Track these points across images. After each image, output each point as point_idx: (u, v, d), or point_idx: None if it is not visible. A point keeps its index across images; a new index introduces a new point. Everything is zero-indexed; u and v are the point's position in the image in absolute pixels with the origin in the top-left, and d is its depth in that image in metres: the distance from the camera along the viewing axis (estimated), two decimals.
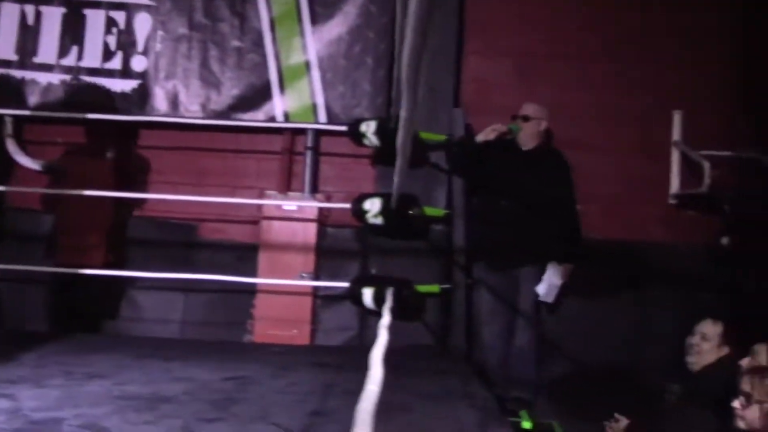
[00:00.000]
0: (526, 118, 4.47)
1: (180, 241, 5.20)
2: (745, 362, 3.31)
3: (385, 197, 4.33)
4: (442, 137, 5.00)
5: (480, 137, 4.42)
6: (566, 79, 5.16)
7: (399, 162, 2.86)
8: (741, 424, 2.85)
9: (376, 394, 1.54)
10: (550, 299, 4.28)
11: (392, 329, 4.58)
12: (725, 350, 3.85)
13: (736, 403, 2.85)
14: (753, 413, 2.81)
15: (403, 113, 2.18)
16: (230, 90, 5.24)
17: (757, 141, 5.12)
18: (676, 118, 5.19)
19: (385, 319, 2.80)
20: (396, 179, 3.34)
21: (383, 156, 4.91)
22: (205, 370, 3.78)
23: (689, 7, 5.24)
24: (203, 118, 5.25)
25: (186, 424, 2.74)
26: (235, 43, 5.23)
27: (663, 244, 5.06)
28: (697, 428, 3.19)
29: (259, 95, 5.20)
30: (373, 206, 4.53)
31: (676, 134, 5.20)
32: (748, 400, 2.82)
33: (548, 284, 4.25)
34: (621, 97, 5.19)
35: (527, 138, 4.52)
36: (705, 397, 3.43)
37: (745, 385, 2.84)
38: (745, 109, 5.19)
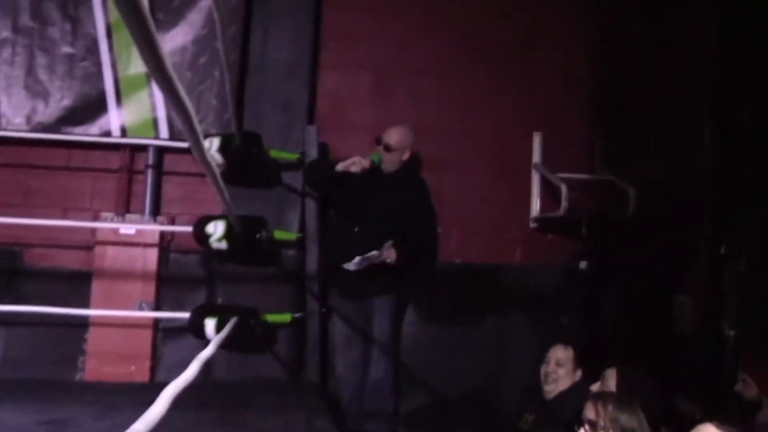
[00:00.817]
0: (388, 148, 4.35)
1: (1, 269, 4.76)
2: (595, 387, 3.24)
3: (230, 219, 4.12)
4: (294, 156, 4.85)
5: (339, 167, 4.27)
6: (426, 95, 5.11)
7: (214, 182, 2.64)
8: None
9: None
10: (353, 267, 4.04)
11: (239, 361, 4.47)
12: (578, 375, 3.77)
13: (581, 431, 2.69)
14: None
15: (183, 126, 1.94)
16: (60, 101, 4.86)
17: (612, 163, 5.21)
18: (536, 139, 5.21)
19: (207, 351, 2.60)
20: (225, 199, 3.18)
21: (229, 174, 4.61)
22: (21, 413, 3.47)
23: (553, 23, 5.29)
24: (28, 131, 4.83)
25: None
26: (67, 49, 4.86)
27: (523, 267, 5.07)
28: None
29: (92, 107, 4.85)
30: (216, 229, 4.40)
31: (536, 156, 5.21)
32: (594, 427, 2.73)
33: (367, 256, 4.03)
34: (482, 116, 5.17)
35: (388, 165, 4.44)
36: (557, 424, 3.36)
37: (590, 411, 2.77)
38: (602, 132, 5.27)
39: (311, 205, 4.82)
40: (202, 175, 4.30)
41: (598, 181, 5.12)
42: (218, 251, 4.34)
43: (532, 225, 5.18)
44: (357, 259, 3.95)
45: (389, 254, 4.04)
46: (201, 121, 4.87)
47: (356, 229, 4.23)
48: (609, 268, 4.99)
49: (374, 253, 3.94)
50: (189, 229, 4.45)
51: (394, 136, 4.31)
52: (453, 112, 5.13)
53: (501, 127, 5.15)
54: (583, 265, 5.03)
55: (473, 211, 5.11)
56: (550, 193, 5.06)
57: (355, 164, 4.14)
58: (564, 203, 4.76)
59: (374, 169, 4.31)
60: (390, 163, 4.34)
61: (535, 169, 5.19)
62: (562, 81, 5.24)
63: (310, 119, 4.98)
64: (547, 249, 5.12)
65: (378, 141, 4.28)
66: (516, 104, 5.21)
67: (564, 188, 4.81)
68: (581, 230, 4.99)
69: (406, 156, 4.36)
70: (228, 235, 4.29)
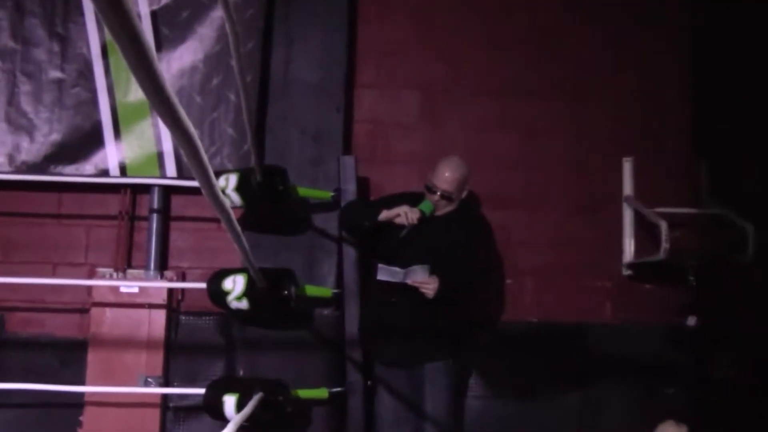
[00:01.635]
0: (449, 198, 3.97)
1: None
2: None
3: (251, 273, 3.63)
4: (327, 194, 4.29)
5: (382, 217, 3.94)
6: (484, 119, 4.58)
7: (230, 229, 2.27)
8: None
9: None
10: (388, 276, 3.91)
11: None
12: None
13: None
14: None
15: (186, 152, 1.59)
16: (48, 135, 4.27)
17: (722, 193, 4.62)
18: (626, 167, 4.54)
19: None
20: (244, 249, 2.68)
21: (249, 218, 4.18)
22: None
23: (640, 39, 4.75)
24: (10, 172, 4.28)
25: None
26: (55, 74, 4.28)
27: (615, 326, 4.52)
28: None
29: (86, 141, 4.27)
30: (235, 285, 3.90)
31: (627, 187, 4.57)
32: None
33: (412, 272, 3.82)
34: (558, 141, 4.61)
35: (442, 208, 4.04)
36: None
37: None
38: (709, 156, 4.67)
39: (350, 254, 4.26)
40: (217, 221, 4.07)
41: (706, 217, 4.57)
42: (238, 312, 3.93)
43: (625, 272, 4.59)
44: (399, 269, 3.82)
45: (427, 281, 3.79)
46: (215, 155, 4.32)
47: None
48: (722, 325, 4.47)
49: (415, 268, 3.77)
50: (202, 285, 3.99)
51: (448, 179, 3.95)
52: (519, 137, 4.58)
53: (581, 153, 4.58)
54: (690, 321, 4.53)
55: (550, 256, 4.53)
56: (646, 232, 4.51)
57: (400, 217, 3.83)
58: (665, 245, 4.20)
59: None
60: (444, 207, 4.01)
61: (627, 203, 4.56)
62: (658, 97, 4.69)
63: (346, 149, 4.45)
64: (644, 302, 4.58)
65: (430, 188, 3.90)
66: (600, 125, 4.65)
67: (664, 226, 4.23)
68: (687, 278, 4.51)
69: (463, 195, 4.02)
70: (249, 292, 3.86)
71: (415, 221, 3.81)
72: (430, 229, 3.92)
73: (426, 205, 3.91)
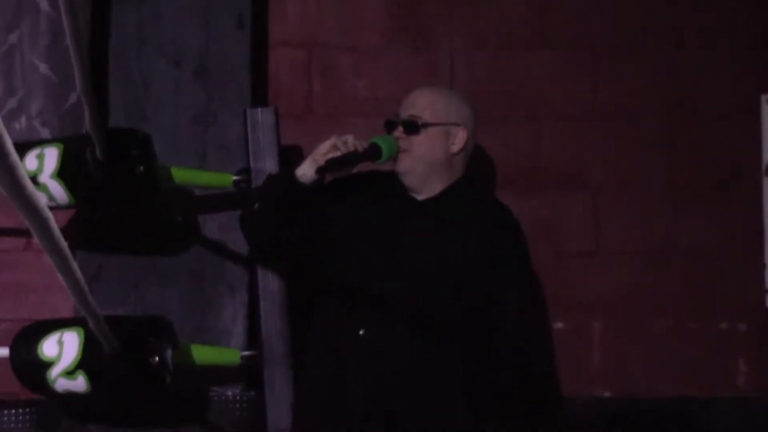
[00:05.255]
0: (412, 126, 2.96)
1: None
2: None
3: (91, 328, 2.84)
4: (227, 178, 3.26)
5: (305, 170, 2.89)
6: (510, 28, 3.44)
7: (50, 249, 1.71)
8: None
9: None
10: None
11: None
12: None
13: None
14: None
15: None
16: None
17: None
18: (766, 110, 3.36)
19: None
20: (77, 284, 1.92)
21: (83, 228, 3.33)
22: None
23: None
24: None
25: None
26: None
27: (752, 400, 3.39)
28: None
29: None
30: (64, 351, 3.13)
31: None
32: None
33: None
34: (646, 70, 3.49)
35: (422, 170, 2.95)
36: None
37: None
38: None
39: (270, 286, 3.25)
40: (25, 234, 3.43)
41: None
42: (68, 398, 3.14)
43: None
44: None
45: None
46: (16, 113, 3.41)
47: (361, 332, 2.97)
48: None
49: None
50: (2, 352, 3.13)
51: (424, 97, 3.04)
52: (566, 58, 3.46)
53: (692, 93, 3.41)
54: None
55: (636, 277, 3.40)
56: None
57: (335, 150, 2.86)
58: None
59: (392, 195, 3.04)
60: (422, 165, 2.96)
61: None
62: None
63: (258, 95, 3.41)
64: None
65: (390, 122, 3.00)
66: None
67: None
68: None
69: (458, 142, 2.98)
70: (88, 362, 3.03)
71: (360, 148, 2.85)
72: (418, 226, 2.94)
73: (382, 139, 2.90)
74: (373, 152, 2.85)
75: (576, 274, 3.50)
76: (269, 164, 3.20)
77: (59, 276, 1.88)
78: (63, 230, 1.70)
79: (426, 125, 2.90)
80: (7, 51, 3.32)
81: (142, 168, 3.08)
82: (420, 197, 2.92)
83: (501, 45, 3.60)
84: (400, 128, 2.92)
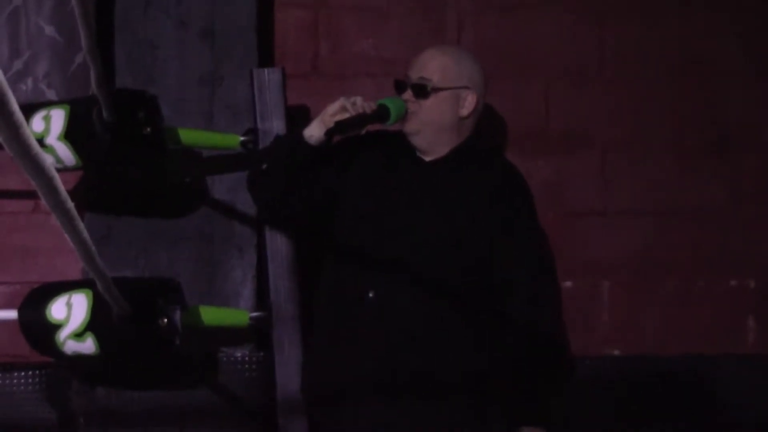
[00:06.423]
0: (422, 90, 2.99)
1: None
2: None
3: (99, 290, 2.72)
4: (234, 139, 3.29)
5: (313, 131, 2.96)
6: None
7: (57, 210, 1.63)
8: None
9: None
10: None
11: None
12: None
13: None
14: None
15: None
16: None
17: None
18: None
19: None
20: (85, 246, 1.81)
21: (91, 190, 3.36)
22: None
23: None
24: None
25: None
26: None
27: (760, 359, 3.42)
28: None
29: None
30: (73, 313, 3.14)
31: None
32: None
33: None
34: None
35: (430, 132, 3.00)
36: None
37: None
38: None
39: (280, 248, 3.30)
40: (32, 197, 3.38)
41: None
42: (78, 360, 3.19)
43: None
44: None
45: None
46: (22, 75, 3.46)
47: (371, 295, 3.00)
48: None
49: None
50: (11, 314, 3.18)
51: (434, 60, 3.07)
52: (577, 19, 3.48)
53: (693, 59, 3.46)
54: None
55: (645, 237, 3.43)
56: None
57: (344, 111, 2.91)
58: None
59: (402, 157, 3.10)
60: (430, 127, 3.01)
61: None
62: None
63: (264, 56, 3.44)
64: None
65: (400, 84, 3.04)
66: None
67: None
68: None
69: (468, 105, 3.01)
70: (97, 324, 3.07)
71: (369, 110, 2.92)
72: (426, 186, 3.01)
73: (391, 101, 2.94)
74: (381, 114, 2.89)
75: (584, 234, 3.51)
76: (276, 125, 3.24)
77: (67, 237, 1.81)
78: (71, 192, 1.69)
79: (436, 89, 2.94)
80: (12, 12, 3.36)
81: (149, 129, 3.13)
82: (428, 158, 2.97)
83: (508, 4, 3.58)
84: (410, 91, 2.96)
